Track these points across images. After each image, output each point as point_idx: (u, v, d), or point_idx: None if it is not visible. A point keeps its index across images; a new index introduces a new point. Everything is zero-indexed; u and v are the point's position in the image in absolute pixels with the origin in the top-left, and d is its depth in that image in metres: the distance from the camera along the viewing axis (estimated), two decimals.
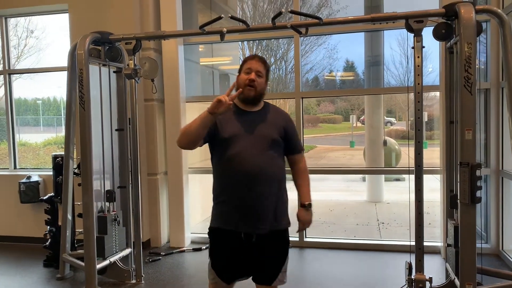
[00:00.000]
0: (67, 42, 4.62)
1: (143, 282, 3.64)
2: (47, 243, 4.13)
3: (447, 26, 2.87)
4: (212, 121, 1.97)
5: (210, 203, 2.20)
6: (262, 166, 2.05)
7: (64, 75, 3.68)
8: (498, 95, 3.99)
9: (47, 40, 5.87)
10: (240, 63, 2.24)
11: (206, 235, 2.21)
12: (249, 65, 2.13)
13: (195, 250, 4.49)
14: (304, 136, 4.69)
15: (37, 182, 4.79)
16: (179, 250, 4.48)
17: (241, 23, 3.12)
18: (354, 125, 17.88)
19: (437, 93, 4.31)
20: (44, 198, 4.20)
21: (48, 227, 4.13)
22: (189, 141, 2.02)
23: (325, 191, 8.91)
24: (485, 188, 4.15)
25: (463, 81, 2.56)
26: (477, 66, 2.60)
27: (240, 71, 2.18)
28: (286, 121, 2.22)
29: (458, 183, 2.67)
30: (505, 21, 2.71)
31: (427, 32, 2.90)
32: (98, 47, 3.54)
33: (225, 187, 2.11)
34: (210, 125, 2.00)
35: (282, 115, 2.24)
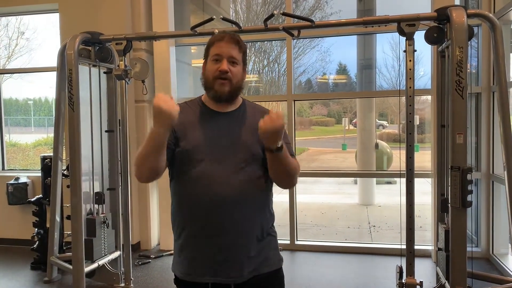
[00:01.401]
0: (58, 42, 4.58)
1: (132, 285, 3.60)
2: (35, 246, 4.07)
3: (439, 30, 2.88)
4: (166, 137, 1.44)
5: None
6: (239, 191, 1.51)
7: (55, 75, 3.64)
8: (489, 99, 4.01)
9: (38, 40, 5.81)
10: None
11: None
12: (217, 49, 1.56)
13: None
14: (296, 138, 4.67)
15: (25, 184, 4.73)
16: (169, 253, 4.44)
17: (233, 24, 3.10)
18: (346, 128, 17.93)
19: (429, 97, 4.32)
20: (32, 199, 4.14)
21: (36, 229, 4.08)
22: (148, 173, 1.50)
23: (316, 194, 8.91)
24: (475, 192, 4.17)
25: (455, 85, 2.56)
26: (468, 70, 2.61)
27: (206, 58, 1.60)
28: None
29: (449, 187, 2.67)
30: (496, 26, 2.72)
31: (419, 36, 2.91)
32: (88, 48, 3.50)
33: (188, 222, 1.55)
34: (168, 140, 1.47)
35: (262, 114, 1.54)
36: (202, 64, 1.65)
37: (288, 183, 1.63)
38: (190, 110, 1.63)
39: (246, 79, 1.66)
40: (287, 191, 4.47)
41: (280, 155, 1.47)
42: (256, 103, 1.75)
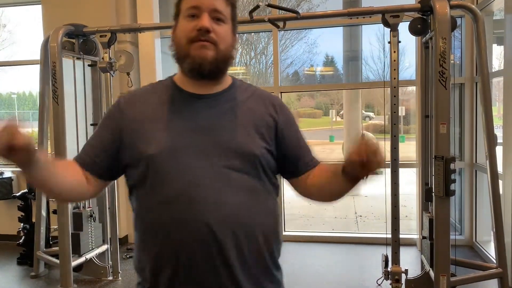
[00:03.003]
0: (41, 35, 4.50)
1: (120, 278, 3.59)
2: (21, 241, 4.03)
3: (422, 21, 2.91)
4: (35, 174, 1.03)
5: None
6: (238, 216, 1.05)
7: (38, 68, 3.59)
8: (472, 90, 4.06)
9: (21, 32, 5.71)
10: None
11: None
12: (194, 0, 1.07)
13: None
14: None
15: (10, 178, 4.68)
16: None
17: None
18: (334, 119, 18.03)
19: (415, 88, 4.37)
20: (17, 194, 4.09)
21: (22, 224, 4.04)
22: (65, 199, 1.22)
23: None
24: (459, 181, 4.23)
25: (438, 75, 2.59)
26: (452, 61, 2.64)
27: (176, 16, 1.13)
28: (276, 111, 1.17)
29: (433, 177, 2.71)
30: (479, 17, 2.75)
31: (404, 28, 2.93)
32: (72, 40, 3.45)
33: (159, 267, 1.07)
34: (110, 139, 1.11)
35: (267, 100, 1.19)
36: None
37: (330, 202, 1.21)
38: (153, 96, 1.14)
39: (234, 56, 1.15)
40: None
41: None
42: (253, 85, 1.26)
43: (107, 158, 1.12)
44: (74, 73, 3.50)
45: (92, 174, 1.13)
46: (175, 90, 1.15)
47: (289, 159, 1.18)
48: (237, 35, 1.18)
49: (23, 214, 4.05)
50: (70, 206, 3.36)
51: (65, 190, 1.10)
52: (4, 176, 4.67)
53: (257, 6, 2.91)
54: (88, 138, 1.13)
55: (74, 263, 3.34)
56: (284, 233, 4.61)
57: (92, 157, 1.13)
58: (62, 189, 1.10)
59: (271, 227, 1.13)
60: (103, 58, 3.34)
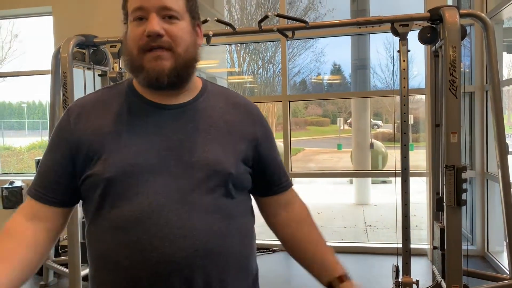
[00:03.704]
0: (52, 45, 4.56)
1: None
2: None
3: (432, 30, 2.90)
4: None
5: None
6: (206, 244, 0.90)
7: (49, 78, 3.63)
8: (482, 98, 4.03)
9: (32, 43, 5.79)
10: None
11: None
12: (138, 0, 0.92)
13: None
14: (291, 139, 4.68)
15: (20, 187, 4.70)
16: None
17: (227, 26, 3.10)
18: (341, 128, 17.98)
19: (423, 96, 4.35)
20: None
21: None
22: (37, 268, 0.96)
23: (312, 194, 8.93)
24: (470, 191, 4.19)
25: (448, 84, 2.58)
26: (461, 70, 2.62)
27: (126, 20, 0.98)
28: (255, 124, 1.05)
29: (444, 186, 2.68)
30: (489, 25, 2.74)
31: (413, 36, 2.92)
32: (82, 50, 3.49)
33: None
34: (63, 162, 0.96)
35: (244, 109, 1.05)
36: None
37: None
38: (109, 105, 0.98)
39: (201, 45, 1.01)
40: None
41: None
42: (226, 87, 1.11)
43: (65, 183, 0.96)
44: (85, 83, 3.53)
45: (52, 206, 0.97)
46: (135, 98, 0.98)
47: (263, 177, 1.06)
48: (201, 27, 1.01)
49: None
50: (79, 215, 3.37)
51: (27, 267, 0.92)
52: (14, 185, 4.70)
53: (266, 16, 2.92)
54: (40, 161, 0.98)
55: (83, 272, 3.34)
56: None
57: (48, 187, 0.97)
58: (25, 271, 0.91)
59: (248, 254, 1.00)
60: (113, 68, 3.37)
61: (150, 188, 0.90)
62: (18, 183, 4.75)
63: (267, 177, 1.08)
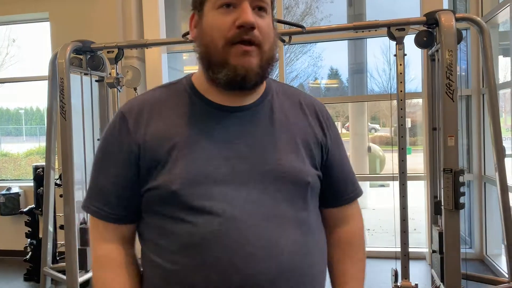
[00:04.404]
0: (49, 51, 4.56)
1: None
2: (28, 256, 4.03)
3: (428, 34, 2.91)
4: None
5: None
6: (293, 262, 0.82)
7: (46, 84, 3.62)
8: (479, 102, 4.04)
9: (30, 48, 5.79)
10: None
11: None
12: None
13: None
14: None
15: (17, 194, 4.69)
16: None
17: None
18: (339, 132, 17.99)
19: (420, 100, 4.36)
20: (25, 210, 4.10)
21: (29, 239, 4.04)
22: None
23: None
24: (468, 194, 4.19)
25: (445, 88, 2.58)
26: (458, 73, 2.63)
27: (200, 8, 0.86)
28: (326, 125, 0.96)
29: (442, 189, 2.69)
30: (485, 29, 2.75)
31: (409, 40, 2.94)
32: (79, 56, 3.49)
33: None
34: (126, 175, 0.86)
35: (312, 108, 0.96)
36: (191, 29, 0.89)
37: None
38: (168, 107, 0.87)
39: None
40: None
41: None
42: (288, 84, 1.01)
43: (130, 196, 0.88)
44: (82, 88, 3.53)
45: (123, 224, 0.90)
46: (196, 99, 0.88)
47: (329, 186, 0.95)
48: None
49: (30, 229, 4.05)
50: (77, 222, 3.36)
51: None
52: (11, 192, 4.68)
53: None
54: (92, 175, 0.91)
55: (81, 279, 3.32)
56: None
57: (114, 203, 0.88)
58: None
59: (325, 270, 0.94)
60: (110, 74, 3.37)
61: (223, 200, 0.80)
62: (15, 189, 4.74)
63: (333, 187, 0.96)
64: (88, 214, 0.93)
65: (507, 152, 2.96)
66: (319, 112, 0.96)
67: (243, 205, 0.80)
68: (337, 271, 1.00)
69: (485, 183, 4.02)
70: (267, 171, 0.83)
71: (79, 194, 3.50)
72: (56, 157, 3.87)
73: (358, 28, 3.02)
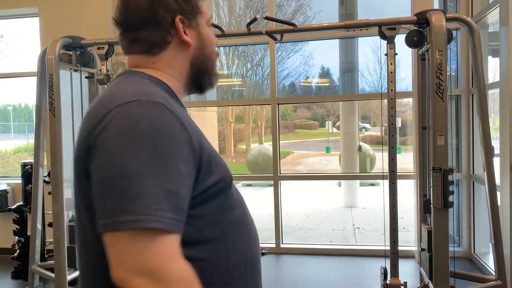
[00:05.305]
0: (38, 46, 4.51)
1: None
2: (16, 254, 3.98)
3: (419, 33, 2.92)
4: None
5: None
6: None
7: (35, 80, 3.58)
8: (468, 101, 4.08)
9: (18, 44, 5.72)
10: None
11: None
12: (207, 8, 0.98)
13: None
14: (280, 142, 4.68)
15: (5, 191, 4.63)
16: None
17: (216, 28, 3.10)
18: (330, 131, 18.06)
19: (410, 99, 4.39)
20: (13, 207, 4.06)
21: (17, 237, 3.99)
22: None
23: (301, 197, 8.94)
24: (457, 193, 4.23)
25: (435, 87, 2.60)
26: (448, 73, 2.65)
27: (192, 16, 0.93)
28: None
29: (431, 188, 2.71)
30: (474, 29, 2.78)
31: (400, 40, 2.95)
32: (69, 52, 3.45)
33: (245, 275, 0.92)
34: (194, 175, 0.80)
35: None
36: (184, 29, 0.93)
37: None
38: (182, 110, 0.88)
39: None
40: (276, 195, 4.48)
41: None
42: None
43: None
44: (71, 85, 3.49)
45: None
46: (177, 100, 0.92)
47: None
48: None
49: (18, 227, 4.01)
50: (66, 219, 3.33)
51: None
52: None
53: (255, 19, 2.92)
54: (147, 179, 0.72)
55: (70, 277, 3.30)
56: (281, 246, 4.57)
57: (186, 211, 0.79)
58: None
59: None
60: (100, 70, 3.34)
61: (233, 187, 0.94)
62: (3, 186, 4.68)
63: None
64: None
65: (496, 152, 2.99)
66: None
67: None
68: None
69: (473, 182, 4.06)
70: None
71: (68, 192, 3.47)
72: (45, 154, 3.83)
73: (349, 27, 3.02)
